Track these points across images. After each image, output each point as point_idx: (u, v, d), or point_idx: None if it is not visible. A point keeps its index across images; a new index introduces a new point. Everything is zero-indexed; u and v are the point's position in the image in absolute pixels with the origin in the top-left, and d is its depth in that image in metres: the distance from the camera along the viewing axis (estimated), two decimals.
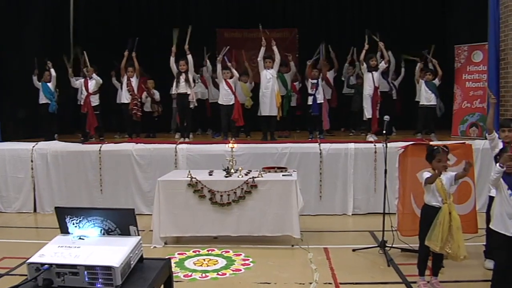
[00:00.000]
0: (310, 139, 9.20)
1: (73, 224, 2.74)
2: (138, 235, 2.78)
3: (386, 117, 6.02)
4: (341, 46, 11.28)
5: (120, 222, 2.73)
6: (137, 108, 9.66)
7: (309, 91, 9.53)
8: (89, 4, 12.51)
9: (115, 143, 8.79)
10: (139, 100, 9.83)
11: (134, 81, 9.66)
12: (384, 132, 6.00)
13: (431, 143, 6.69)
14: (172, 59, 9.16)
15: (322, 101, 9.48)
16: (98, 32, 12.25)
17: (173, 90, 9.38)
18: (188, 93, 9.18)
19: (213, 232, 6.39)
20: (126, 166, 8.30)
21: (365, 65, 9.02)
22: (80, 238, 2.68)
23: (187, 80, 9.14)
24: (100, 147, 8.39)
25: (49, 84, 9.72)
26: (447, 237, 4.60)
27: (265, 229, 6.27)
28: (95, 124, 9.38)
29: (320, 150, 8.12)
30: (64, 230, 2.77)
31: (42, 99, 9.74)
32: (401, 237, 5.92)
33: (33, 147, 8.54)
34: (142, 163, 8.28)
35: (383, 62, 9.09)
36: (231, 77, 9.35)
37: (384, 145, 5.88)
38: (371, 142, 8.38)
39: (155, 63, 11.39)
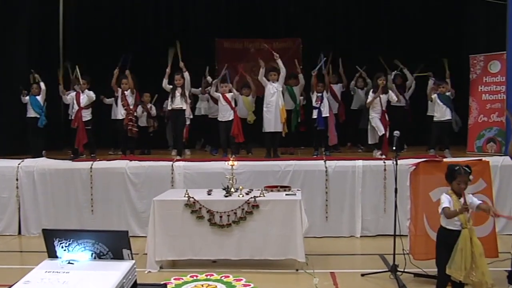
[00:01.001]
0: (315, 156, 9.20)
1: (62, 247, 2.72)
2: (132, 259, 2.76)
3: (396, 133, 6.02)
4: (349, 56, 11.30)
5: (113, 245, 2.72)
6: (132, 124, 9.70)
7: (314, 104, 9.55)
8: (80, 13, 12.61)
9: (107, 160, 8.77)
10: (135, 115, 9.85)
11: (129, 96, 9.68)
12: (394, 148, 5.99)
13: (444, 160, 6.67)
14: (165, 81, 9.30)
15: (328, 115, 9.51)
16: (89, 43, 12.32)
17: (168, 106, 9.42)
18: (184, 108, 9.26)
19: (212, 256, 6.35)
20: (119, 184, 8.27)
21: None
22: (69, 263, 2.67)
23: (183, 95, 9.21)
24: (91, 164, 8.38)
25: (38, 98, 9.73)
26: (471, 265, 4.55)
27: (268, 252, 6.24)
28: (84, 141, 9.39)
29: (326, 167, 8.10)
30: (52, 254, 2.75)
31: (30, 113, 9.75)
32: (413, 261, 5.88)
33: (19, 164, 8.52)
34: (136, 182, 8.26)
35: (394, 96, 9.16)
36: (229, 91, 9.39)
37: (394, 162, 5.87)
38: (379, 158, 8.37)
39: (151, 76, 11.44)
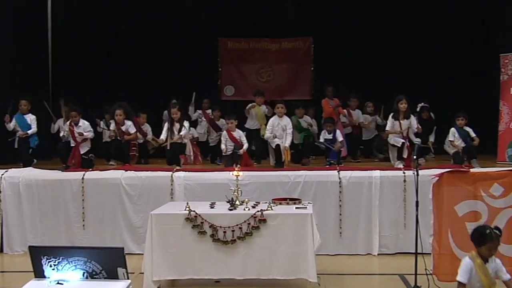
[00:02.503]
0: (327, 166, 9.17)
1: (50, 266, 2.71)
2: (128, 278, 2.75)
3: (417, 140, 6.00)
4: (363, 57, 11.32)
5: (107, 263, 2.71)
6: (136, 149, 9.82)
7: (325, 135, 9.68)
8: (70, 11, 12.67)
9: (100, 170, 8.77)
10: (136, 142, 9.91)
11: (130, 126, 9.66)
12: (414, 157, 5.96)
13: (472, 170, 6.63)
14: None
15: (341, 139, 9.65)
16: (81, 44, 12.42)
17: (165, 138, 9.41)
18: (184, 142, 9.38)
19: (215, 275, 6.31)
20: (113, 197, 8.25)
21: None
22: (58, 283, 2.65)
23: (180, 130, 9.33)
24: (83, 175, 8.37)
25: (26, 117, 9.68)
26: None
27: (276, 271, 6.19)
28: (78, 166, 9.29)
29: (340, 178, 8.07)
30: (39, 274, 2.74)
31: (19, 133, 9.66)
32: (438, 283, 5.84)
33: (2, 174, 8.50)
34: (132, 194, 8.24)
35: (415, 123, 9.10)
36: (236, 128, 9.56)
37: (415, 172, 5.83)
38: (399, 169, 8.33)
39: (148, 82, 11.56)
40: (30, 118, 9.72)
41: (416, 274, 5.79)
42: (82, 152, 9.30)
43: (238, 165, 7.04)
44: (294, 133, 9.85)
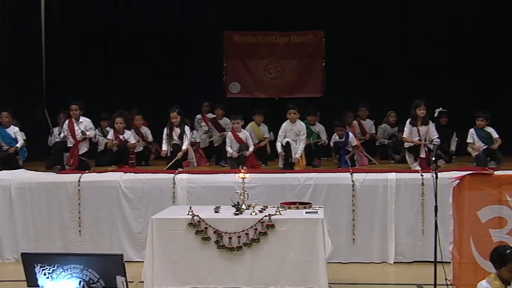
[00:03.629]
0: (339, 168, 9.15)
1: (45, 274, 2.71)
2: (127, 287, 2.74)
3: (436, 141, 5.98)
4: (378, 51, 11.31)
5: (105, 271, 2.71)
6: (135, 157, 9.77)
7: (336, 138, 9.69)
8: (65, 4, 12.71)
9: (98, 172, 8.78)
10: (134, 151, 9.85)
11: (130, 136, 9.70)
12: (433, 158, 5.93)
13: (496, 173, 6.60)
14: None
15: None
16: (76, 39, 12.47)
17: (167, 149, 9.29)
18: (184, 148, 9.17)
19: (220, 284, 6.30)
20: (111, 201, 8.26)
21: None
22: None
23: (180, 136, 9.22)
24: (80, 177, 8.38)
25: (9, 130, 9.54)
26: None
27: (285, 280, 6.19)
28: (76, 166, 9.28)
29: (353, 181, 8.05)
30: (32, 283, 2.74)
31: (4, 146, 9.52)
32: None
33: None
34: (132, 198, 8.25)
35: (434, 130, 8.92)
36: (242, 128, 9.61)
37: (434, 175, 5.80)
38: (417, 171, 8.30)
39: (147, 77, 11.57)
40: (14, 131, 9.57)
41: (435, 284, 5.75)
42: (80, 153, 9.27)
43: (244, 167, 7.04)
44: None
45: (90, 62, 12.56)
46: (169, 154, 9.20)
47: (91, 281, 2.73)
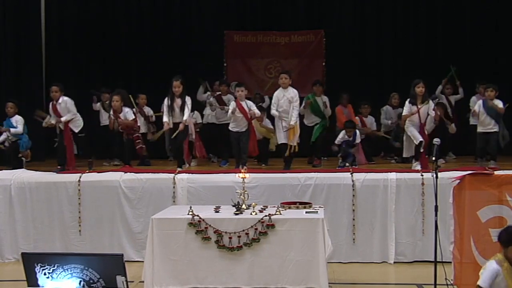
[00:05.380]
0: (340, 168, 9.15)
1: (45, 274, 2.71)
2: (127, 287, 2.74)
3: (436, 140, 5.97)
4: (379, 51, 11.30)
5: (105, 271, 2.71)
6: (141, 141, 9.71)
7: (345, 137, 9.72)
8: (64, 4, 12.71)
9: (98, 172, 8.78)
10: (139, 131, 9.84)
11: (128, 112, 9.63)
12: (433, 158, 5.93)
13: (496, 172, 6.60)
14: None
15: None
16: (76, 37, 12.46)
17: (168, 120, 9.09)
18: (185, 118, 9.01)
19: (220, 284, 6.30)
20: (111, 200, 8.26)
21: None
22: None
23: (182, 108, 9.02)
24: (80, 177, 8.37)
25: (12, 120, 9.70)
26: None
27: (285, 280, 6.20)
28: (73, 163, 9.36)
29: (353, 181, 8.05)
30: (33, 283, 2.75)
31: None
32: None
33: None
34: (132, 197, 8.25)
35: (433, 117, 9.16)
36: (245, 97, 9.43)
37: (434, 175, 5.80)
38: (417, 171, 8.30)
39: (149, 75, 11.54)
40: (16, 120, 9.72)
41: (435, 284, 5.75)
42: (76, 131, 9.42)
43: (244, 167, 7.04)
44: (308, 114, 9.81)
45: (90, 62, 12.55)
46: (171, 126, 9.06)
47: (91, 281, 2.74)
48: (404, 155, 9.37)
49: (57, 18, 12.76)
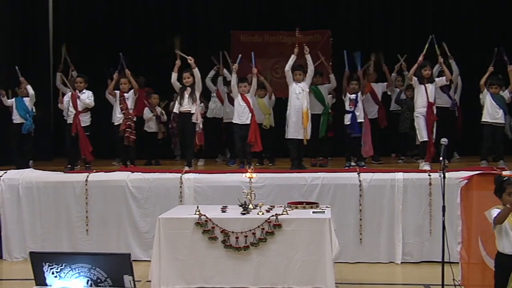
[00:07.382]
0: (347, 168, 9.14)
1: (53, 273, 2.72)
2: (134, 286, 2.75)
3: (444, 140, 5.94)
4: (386, 50, 11.25)
5: (112, 270, 2.71)
6: (131, 131, 9.55)
7: (347, 107, 9.48)
8: (72, 4, 12.74)
9: (105, 171, 8.79)
10: (134, 120, 9.73)
11: (129, 97, 9.65)
12: (441, 158, 5.91)
13: (504, 173, 6.57)
14: (174, 75, 9.27)
15: (363, 120, 9.43)
16: (84, 38, 12.47)
17: (175, 108, 9.31)
18: (192, 111, 9.14)
19: (227, 284, 6.30)
20: (119, 200, 8.29)
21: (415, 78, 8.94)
22: None
23: (191, 96, 9.12)
24: (87, 176, 8.40)
25: (26, 100, 9.73)
26: None
27: (292, 280, 6.19)
28: (90, 148, 9.36)
29: (360, 181, 8.05)
30: (41, 282, 2.75)
31: (16, 118, 9.69)
32: None
33: (1, 176, 8.55)
34: (139, 197, 8.27)
35: (444, 78, 9.08)
36: (249, 91, 9.37)
37: (442, 175, 5.78)
38: (425, 171, 8.27)
39: (155, 74, 11.52)
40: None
41: (443, 284, 5.73)
42: (83, 125, 9.39)
43: (252, 167, 7.03)
44: (313, 101, 9.77)
45: (96, 61, 12.54)
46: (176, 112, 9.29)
47: (98, 280, 2.74)
48: (420, 139, 9.16)
49: (65, 15, 12.80)
